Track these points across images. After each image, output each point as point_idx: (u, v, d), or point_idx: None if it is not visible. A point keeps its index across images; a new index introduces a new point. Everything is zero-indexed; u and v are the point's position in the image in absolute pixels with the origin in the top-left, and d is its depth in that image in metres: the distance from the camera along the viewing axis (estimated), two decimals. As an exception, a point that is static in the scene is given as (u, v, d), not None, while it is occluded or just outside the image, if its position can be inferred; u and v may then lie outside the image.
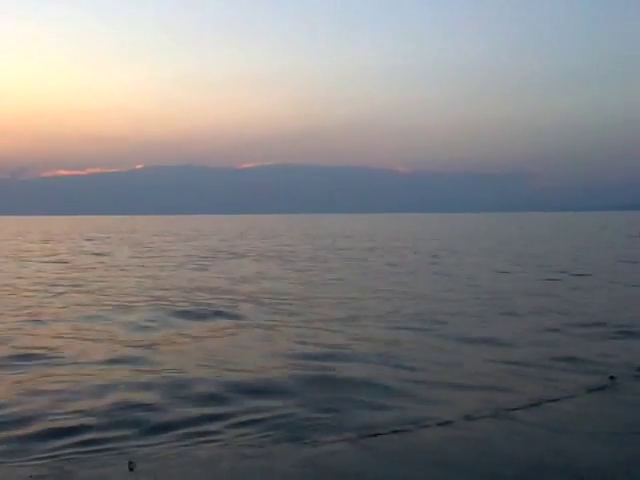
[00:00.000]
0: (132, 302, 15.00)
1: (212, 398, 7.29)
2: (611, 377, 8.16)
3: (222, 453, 5.66)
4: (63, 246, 42.66)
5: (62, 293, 16.91)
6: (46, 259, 30.00)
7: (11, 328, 11.66)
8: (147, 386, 7.71)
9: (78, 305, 14.58)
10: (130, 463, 5.29)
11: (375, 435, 6.06)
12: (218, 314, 13.23)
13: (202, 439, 5.97)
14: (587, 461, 5.28)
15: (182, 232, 72.18)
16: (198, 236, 59.71)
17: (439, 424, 6.38)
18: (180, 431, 6.16)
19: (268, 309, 13.89)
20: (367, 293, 16.66)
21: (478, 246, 38.83)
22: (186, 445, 5.81)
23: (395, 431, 6.18)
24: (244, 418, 6.56)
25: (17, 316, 13.03)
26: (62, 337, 10.82)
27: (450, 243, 43.00)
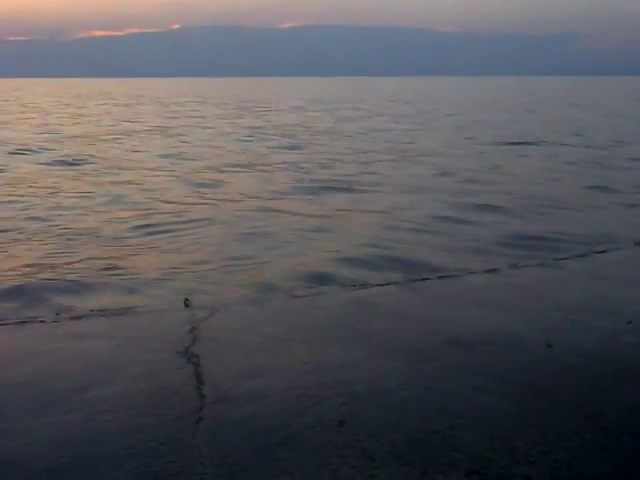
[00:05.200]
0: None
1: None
2: (661, 231, 8.07)
3: (274, 294, 5.89)
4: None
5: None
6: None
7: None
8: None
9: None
10: (186, 300, 5.49)
11: (423, 279, 6.16)
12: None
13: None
14: (635, 306, 5.32)
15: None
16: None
17: (486, 271, 6.46)
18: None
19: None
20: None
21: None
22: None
23: (442, 276, 6.29)
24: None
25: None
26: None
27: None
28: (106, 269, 6.86)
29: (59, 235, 8.38)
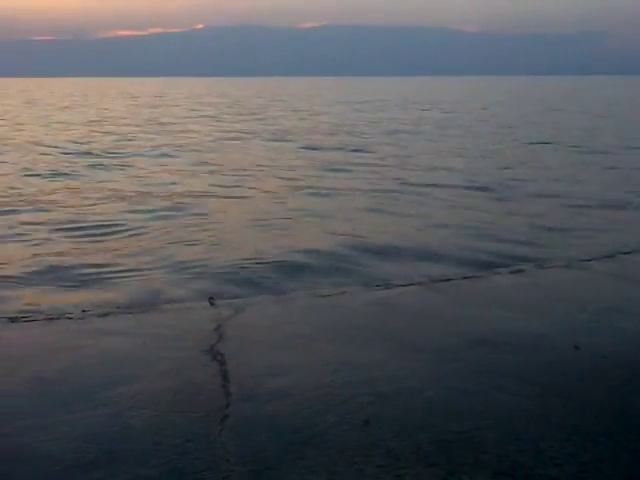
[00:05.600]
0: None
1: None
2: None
3: (299, 293, 5.91)
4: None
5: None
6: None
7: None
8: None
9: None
10: (211, 298, 5.52)
11: (447, 280, 6.14)
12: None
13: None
14: (663, 308, 5.26)
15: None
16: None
17: (511, 272, 6.42)
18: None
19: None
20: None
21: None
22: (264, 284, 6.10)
23: (466, 277, 6.26)
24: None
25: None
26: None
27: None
28: (131, 263, 6.95)
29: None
